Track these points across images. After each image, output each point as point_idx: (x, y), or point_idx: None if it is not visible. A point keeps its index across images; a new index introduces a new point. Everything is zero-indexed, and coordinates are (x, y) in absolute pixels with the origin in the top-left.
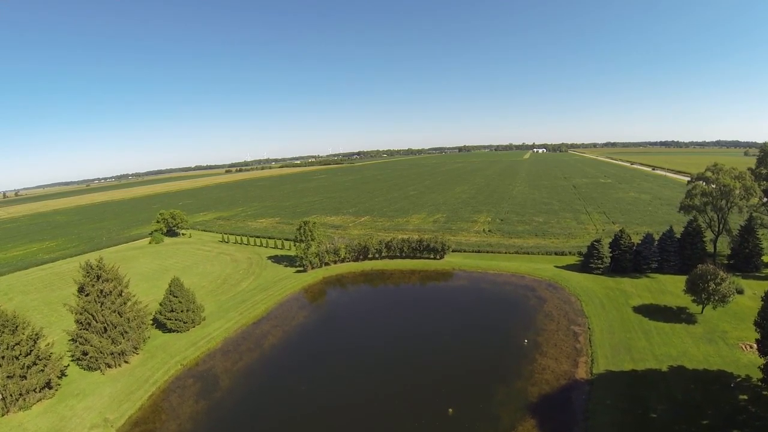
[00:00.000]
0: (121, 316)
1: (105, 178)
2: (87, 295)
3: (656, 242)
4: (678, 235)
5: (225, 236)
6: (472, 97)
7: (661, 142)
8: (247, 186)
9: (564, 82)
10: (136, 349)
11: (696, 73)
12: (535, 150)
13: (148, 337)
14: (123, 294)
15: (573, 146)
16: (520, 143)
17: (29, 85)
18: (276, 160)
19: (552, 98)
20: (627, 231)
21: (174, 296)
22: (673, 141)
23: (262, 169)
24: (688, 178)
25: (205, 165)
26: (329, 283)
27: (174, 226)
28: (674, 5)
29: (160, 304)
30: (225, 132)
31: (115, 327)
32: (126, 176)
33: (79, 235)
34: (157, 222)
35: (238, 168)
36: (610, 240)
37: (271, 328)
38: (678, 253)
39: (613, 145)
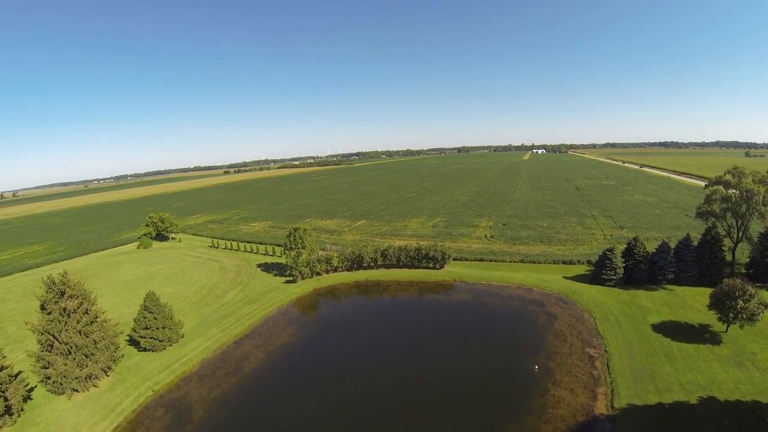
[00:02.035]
0: (87, 337)
1: (104, 179)
2: (49, 313)
3: (672, 251)
4: (695, 243)
5: (215, 241)
6: (471, 98)
7: (660, 142)
8: (245, 187)
9: (563, 83)
10: (106, 371)
11: (695, 74)
12: (534, 151)
13: (122, 356)
14: (89, 312)
15: (572, 147)
16: (520, 144)
17: (30, 86)
18: (275, 161)
19: (551, 99)
20: (638, 237)
21: (149, 312)
22: (672, 141)
23: (261, 170)
24: (705, 183)
25: (204, 166)
26: (320, 296)
27: (163, 230)
28: (674, 5)
29: (135, 321)
30: (225, 133)
31: (80, 349)
32: (125, 177)
33: (68, 239)
34: (146, 226)
35: (237, 169)
36: (622, 248)
37: (253, 348)
38: (696, 262)
39: (613, 145)
